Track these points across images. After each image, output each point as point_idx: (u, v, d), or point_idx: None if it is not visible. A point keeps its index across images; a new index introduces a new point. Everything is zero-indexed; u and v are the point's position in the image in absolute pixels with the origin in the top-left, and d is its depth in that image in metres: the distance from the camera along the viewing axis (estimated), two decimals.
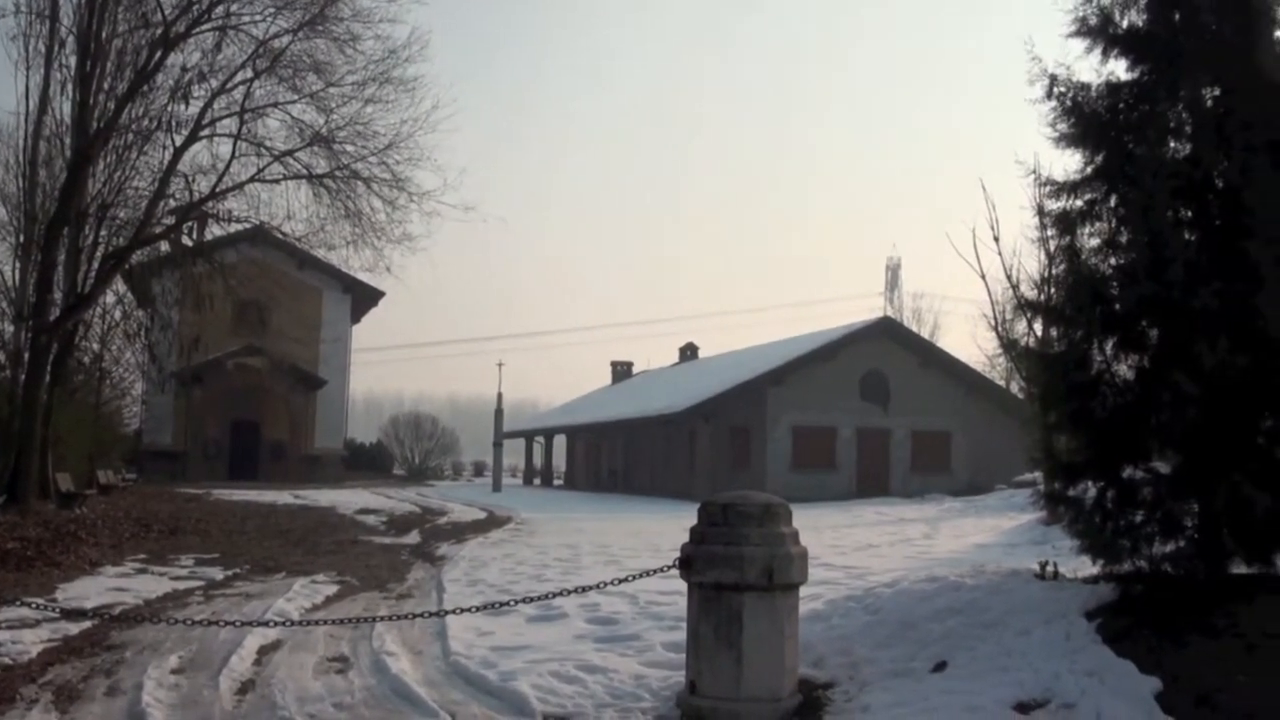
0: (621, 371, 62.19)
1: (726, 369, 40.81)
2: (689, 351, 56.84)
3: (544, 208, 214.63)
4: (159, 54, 22.16)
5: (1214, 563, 7.45)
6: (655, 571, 7.34)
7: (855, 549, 16.49)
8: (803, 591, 7.03)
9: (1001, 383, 36.33)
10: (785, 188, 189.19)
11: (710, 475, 34.04)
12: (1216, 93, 8.11)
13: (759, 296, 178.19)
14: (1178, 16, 8.18)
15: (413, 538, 20.65)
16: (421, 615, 8.16)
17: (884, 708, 6.44)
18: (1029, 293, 8.04)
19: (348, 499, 33.38)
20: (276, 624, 8.57)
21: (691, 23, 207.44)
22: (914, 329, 50.65)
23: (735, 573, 6.32)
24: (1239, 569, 7.76)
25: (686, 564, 6.58)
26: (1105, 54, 8.46)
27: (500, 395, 47.30)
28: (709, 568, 6.42)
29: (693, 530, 6.68)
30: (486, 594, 11.57)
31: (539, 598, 7.80)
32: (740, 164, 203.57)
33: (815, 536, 17.58)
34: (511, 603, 8.30)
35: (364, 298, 48.74)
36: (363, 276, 28.41)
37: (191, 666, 8.21)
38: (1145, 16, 8.38)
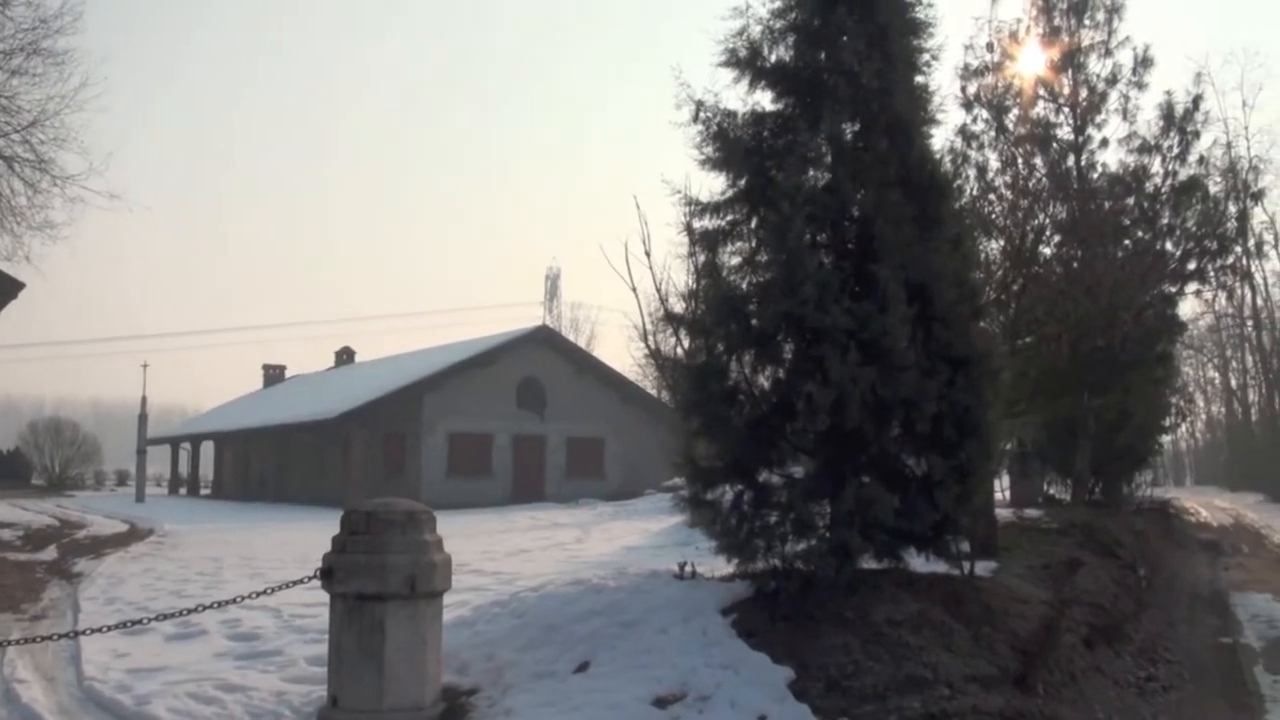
0: (274, 375, 59.61)
1: (383, 374, 40.08)
2: (345, 355, 55.40)
3: (196, 200, 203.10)
4: None
5: (844, 559, 8.01)
6: (296, 583, 7.11)
7: (507, 555, 16.59)
8: (451, 598, 7.01)
9: (653, 391, 37.67)
10: (449, 193, 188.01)
11: (365, 483, 33.29)
12: (856, 128, 8.78)
13: (420, 301, 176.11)
14: (823, 55, 8.79)
15: (50, 553, 18.98)
16: (52, 638, 7.56)
17: (527, 709, 6.51)
18: (676, 306, 8.41)
19: None
20: None
21: (348, 19, 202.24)
22: (572, 338, 51.71)
23: (378, 582, 6.20)
24: (870, 565, 8.44)
25: (328, 574, 6.39)
26: (753, 85, 8.99)
27: (144, 399, 44.39)
28: (351, 577, 6.27)
29: (335, 539, 6.49)
30: (125, 612, 10.78)
31: (177, 614, 7.40)
32: (402, 166, 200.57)
33: (468, 543, 17.59)
34: (145, 620, 7.82)
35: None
36: None
37: None
38: (792, 53, 8.94)
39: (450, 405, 35.51)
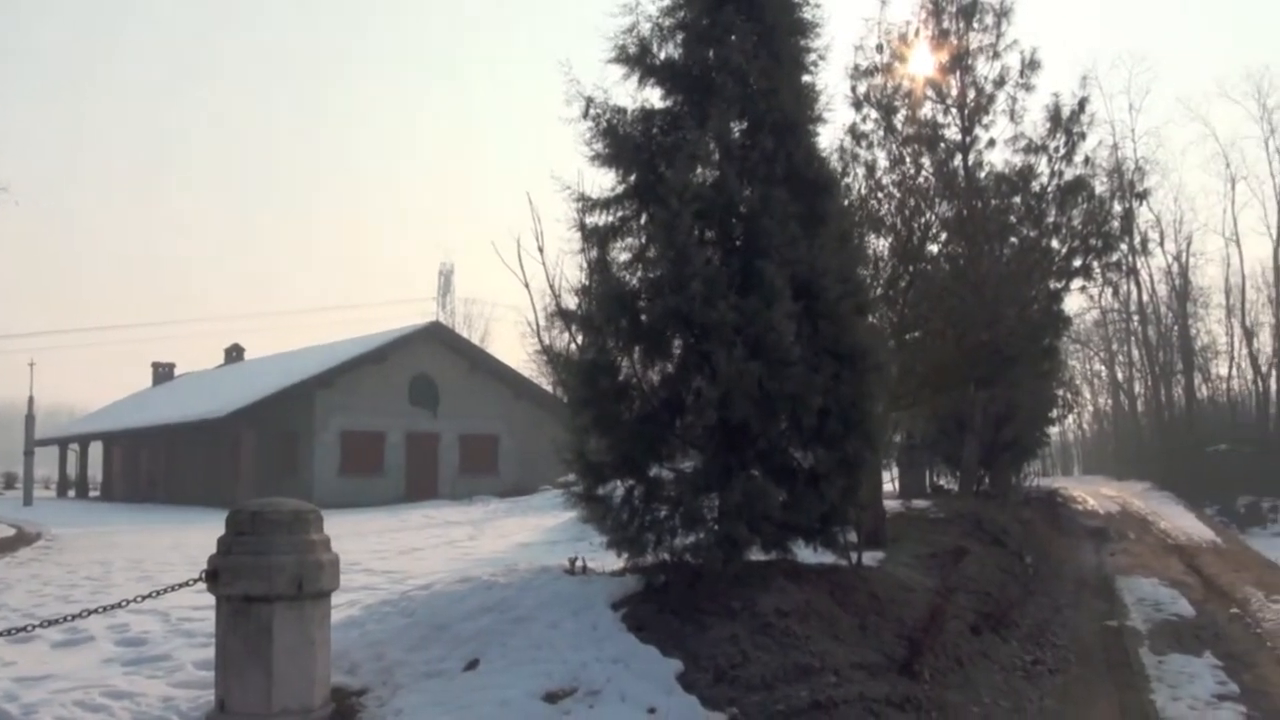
0: (163, 373, 58.03)
1: (274, 372, 39.22)
2: (235, 353, 54.26)
3: (73, 193, 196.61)
4: None
5: (732, 551, 8.12)
6: (183, 585, 6.96)
7: (399, 553, 16.42)
8: (342, 598, 6.91)
9: (547, 387, 37.54)
10: (342, 187, 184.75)
11: (257, 483, 32.61)
12: (744, 126, 8.88)
13: (312, 297, 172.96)
14: (711, 54, 8.87)
15: None
16: None
17: (417, 709, 6.47)
18: (569, 303, 8.41)
19: None
20: None
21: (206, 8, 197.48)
22: (465, 334, 51.30)
23: (264, 583, 6.08)
24: (758, 556, 8.55)
25: (214, 576, 6.25)
26: (642, 81, 9.05)
27: (31, 399, 42.78)
28: (237, 579, 6.14)
29: (221, 540, 6.35)
30: (10, 619, 10.42)
31: (63, 620, 7.19)
32: (292, 159, 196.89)
33: (360, 542, 17.39)
34: (30, 628, 7.57)
35: None
36: None
37: None
38: (681, 51, 9.02)
39: (342, 403, 34.96)
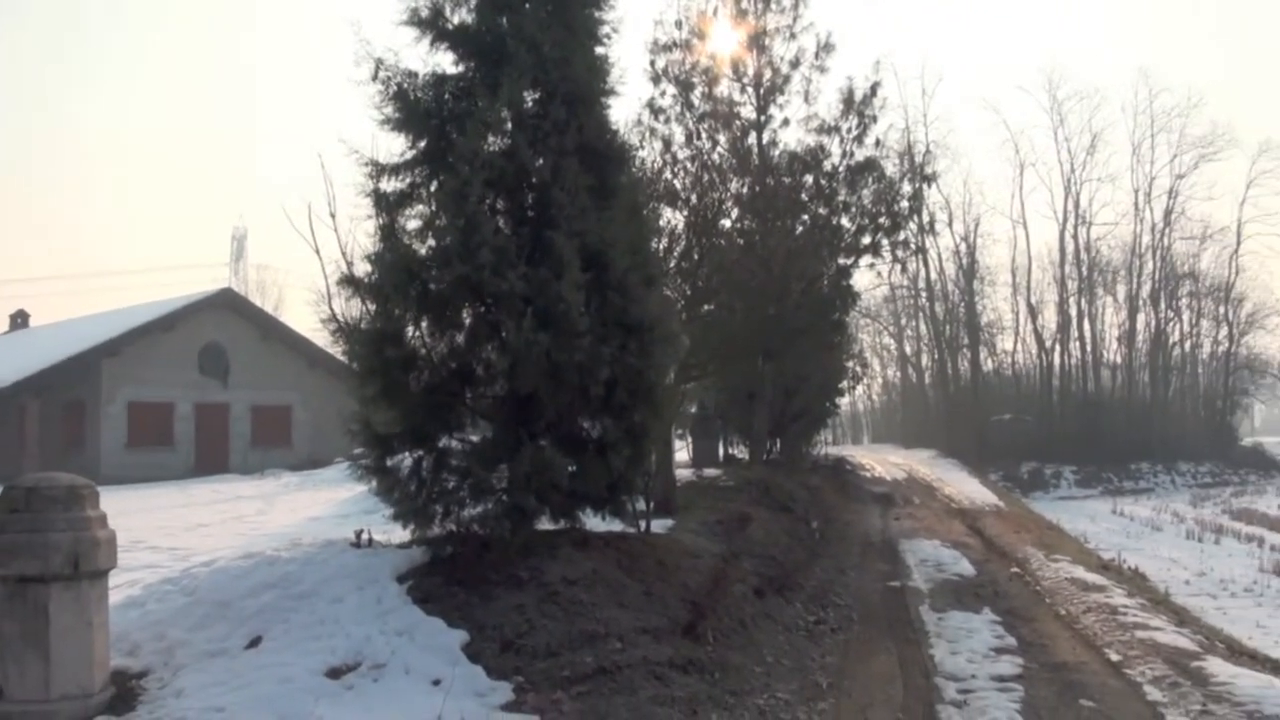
0: None
1: (61, 339, 36.98)
2: (19, 319, 51.05)
3: None
4: None
5: (520, 521, 8.15)
6: None
7: (185, 530, 15.84)
8: (123, 577, 6.63)
9: (342, 357, 36.50)
10: (130, 144, 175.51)
11: (42, 457, 30.77)
12: (537, 95, 8.84)
13: (103, 260, 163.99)
14: (505, 21, 8.78)
15: None
16: None
17: (199, 689, 6.31)
18: (359, 271, 8.21)
19: None
20: None
21: None
22: (259, 301, 49.58)
23: (39, 562, 5.81)
24: (547, 526, 8.59)
25: None
26: (434, 46, 8.91)
27: None
28: (11, 559, 5.83)
29: None
30: None
31: None
32: (77, 121, 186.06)
33: (146, 519, 16.69)
34: None
35: None
36: None
37: None
38: (475, 16, 8.91)
39: (130, 373, 33.27)
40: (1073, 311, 58.78)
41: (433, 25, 8.86)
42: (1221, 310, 61.16)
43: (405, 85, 8.62)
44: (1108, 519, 31.85)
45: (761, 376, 20.84)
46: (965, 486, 32.56)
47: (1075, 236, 57.81)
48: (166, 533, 15.19)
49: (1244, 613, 15.40)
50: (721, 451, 24.65)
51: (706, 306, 14.70)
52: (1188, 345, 63.21)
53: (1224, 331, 61.40)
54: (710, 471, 19.31)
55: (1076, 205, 57.57)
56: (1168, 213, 58.25)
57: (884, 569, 14.50)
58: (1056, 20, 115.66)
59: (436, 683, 6.37)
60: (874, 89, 22.44)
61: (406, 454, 8.37)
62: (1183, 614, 12.32)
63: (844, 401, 48.13)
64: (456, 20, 8.93)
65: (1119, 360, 60.73)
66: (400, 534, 8.84)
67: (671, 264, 13.70)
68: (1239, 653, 10.16)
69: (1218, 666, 8.65)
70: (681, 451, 22.04)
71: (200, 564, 9.32)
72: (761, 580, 10.64)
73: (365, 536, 8.66)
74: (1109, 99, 77.00)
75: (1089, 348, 59.43)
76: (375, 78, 8.58)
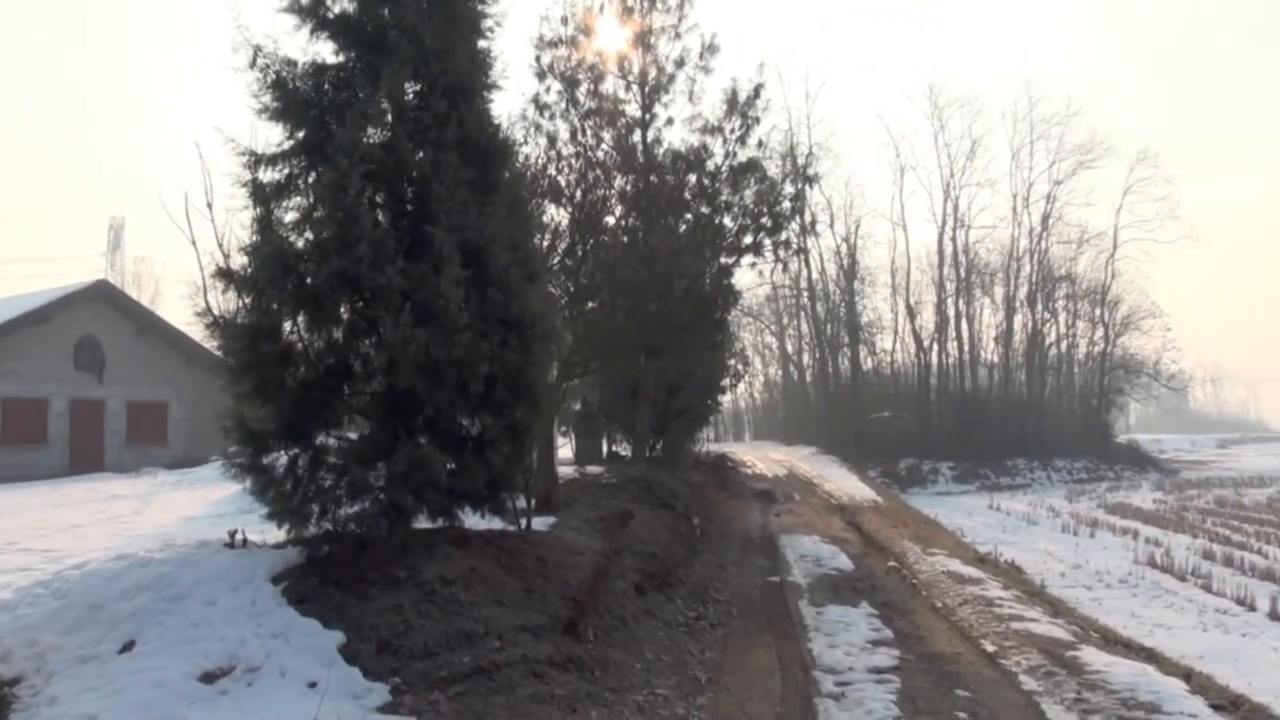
0: None
1: None
2: None
3: None
4: None
5: (397, 520, 8.05)
6: None
7: (59, 530, 15.27)
8: None
9: (218, 352, 35.62)
10: (3, 130, 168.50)
11: None
12: (417, 88, 8.74)
13: None
14: (386, 11, 8.66)
15: None
16: None
17: (72, 696, 6.15)
18: (236, 263, 7.97)
19: None
20: None
21: None
22: (135, 294, 48.06)
23: None
24: (425, 524, 8.49)
25: None
26: (315, 34, 8.74)
27: None
28: None
29: None
30: None
31: None
32: None
33: (19, 519, 16.09)
34: None
35: None
36: None
37: None
38: (355, 5, 8.77)
39: (1, 367, 32.06)
40: (951, 312, 60.27)
41: (313, 13, 8.70)
42: (1098, 312, 63.28)
43: (284, 74, 8.43)
44: (984, 514, 32.69)
45: (644, 374, 20.90)
46: (844, 483, 33.12)
47: (954, 239, 59.34)
48: (40, 533, 14.65)
49: (1119, 603, 15.97)
50: (605, 449, 24.69)
51: (589, 304, 14.69)
52: (1064, 345, 65.32)
53: (1100, 333, 63.50)
54: (593, 469, 19.31)
55: (955, 209, 59.00)
56: (1045, 217, 60.26)
57: (764, 564, 14.70)
58: (939, 28, 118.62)
59: (313, 685, 6.28)
60: (757, 90, 22.66)
61: (282, 452, 8.19)
62: (1058, 605, 12.73)
63: (726, 399, 48.50)
64: (338, 9, 8.79)
65: (996, 360, 62.49)
66: (276, 534, 8.66)
67: (555, 261, 13.66)
68: (1113, 642, 10.55)
69: (1092, 655, 8.96)
70: (564, 449, 22.03)
71: (73, 566, 9.02)
72: (643, 577, 10.70)
73: (240, 537, 8.46)
74: (989, 106, 79.28)
75: (966, 347, 61.07)
76: (253, 65, 8.37)
